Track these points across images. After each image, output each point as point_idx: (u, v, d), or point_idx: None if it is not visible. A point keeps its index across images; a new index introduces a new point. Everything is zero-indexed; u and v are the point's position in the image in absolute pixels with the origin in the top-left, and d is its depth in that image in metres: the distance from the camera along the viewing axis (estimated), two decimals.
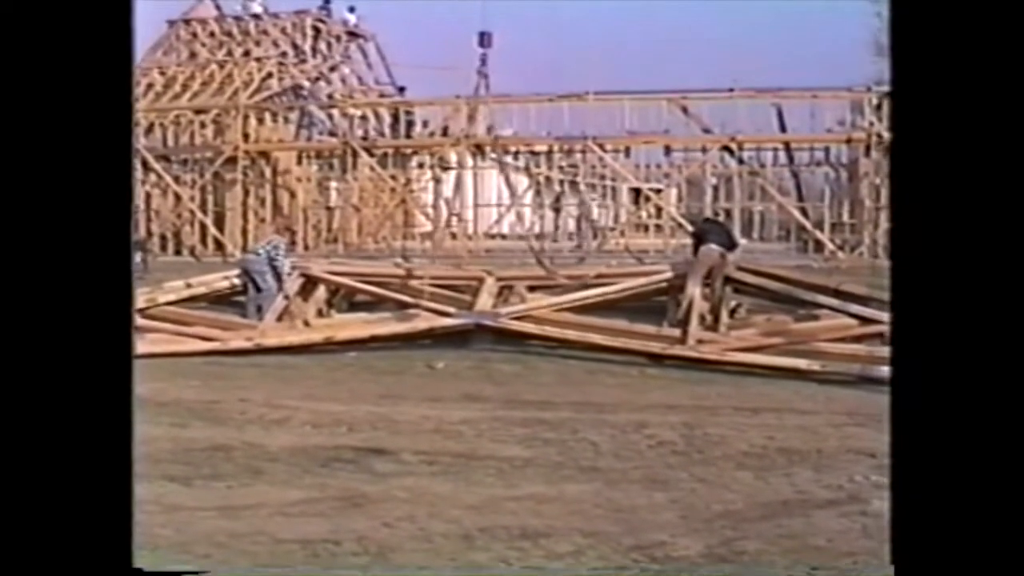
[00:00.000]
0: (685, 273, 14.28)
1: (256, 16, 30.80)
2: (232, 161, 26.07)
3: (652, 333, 13.42)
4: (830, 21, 70.61)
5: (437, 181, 25.92)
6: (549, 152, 26.06)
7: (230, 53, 30.04)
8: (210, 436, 8.35)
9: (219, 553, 5.45)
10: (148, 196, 26.69)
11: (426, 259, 20.68)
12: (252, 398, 9.96)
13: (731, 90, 23.99)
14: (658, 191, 27.70)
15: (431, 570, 5.39)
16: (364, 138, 26.27)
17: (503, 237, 26.65)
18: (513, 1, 31.06)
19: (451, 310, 14.28)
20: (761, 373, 11.63)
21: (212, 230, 26.18)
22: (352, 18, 31.79)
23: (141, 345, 11.80)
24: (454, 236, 25.18)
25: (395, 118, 27.68)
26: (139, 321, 13.46)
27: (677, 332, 13.28)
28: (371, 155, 25.65)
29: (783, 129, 24.19)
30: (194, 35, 30.93)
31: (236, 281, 16.16)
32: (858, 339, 12.72)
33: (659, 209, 26.97)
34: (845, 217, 24.59)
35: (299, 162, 27.23)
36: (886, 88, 21.64)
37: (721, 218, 22.45)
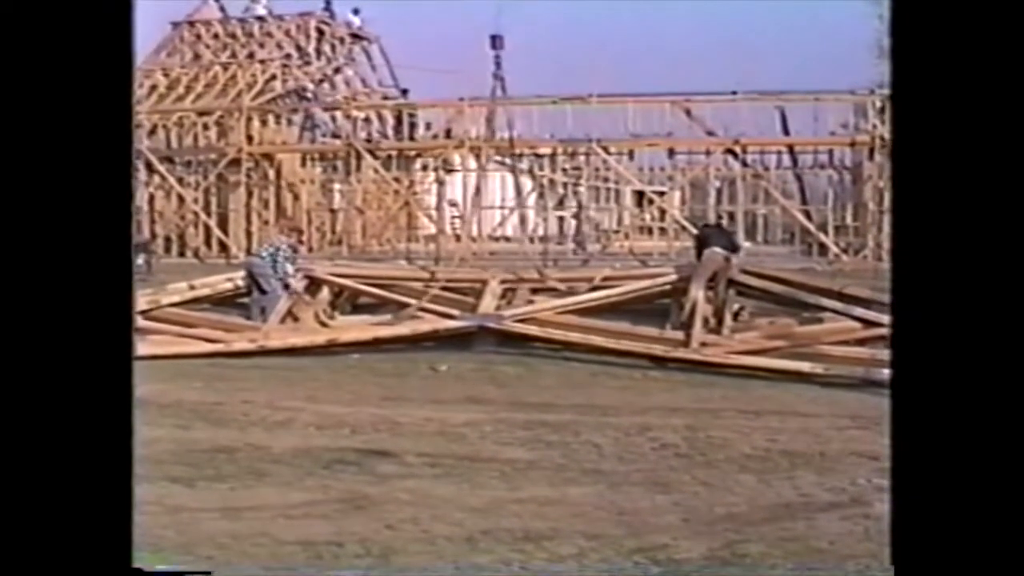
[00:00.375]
0: (689, 276, 14.28)
1: (260, 18, 30.85)
2: (236, 163, 26.12)
3: (655, 336, 13.42)
4: (832, 24, 70.64)
5: (441, 183, 25.95)
6: (553, 155, 26.08)
7: (234, 55, 30.09)
8: (213, 437, 8.35)
9: (222, 554, 5.46)
10: (152, 198, 26.76)
11: (430, 261, 20.68)
12: (255, 400, 9.96)
13: (734, 93, 24.02)
14: (662, 194, 27.72)
15: (434, 572, 5.40)
16: (368, 140, 26.30)
17: (507, 239, 26.68)
18: (512, 2, 31.07)
19: (455, 312, 14.29)
20: (764, 376, 11.61)
21: (216, 232, 26.23)
22: (356, 20, 31.82)
23: (144, 347, 11.81)
24: (458, 238, 25.20)
25: (398, 120, 27.71)
26: (142, 323, 13.47)
27: (680, 335, 13.28)
28: (375, 157, 25.68)
29: (786, 132, 24.22)
30: (198, 37, 30.98)
31: (240, 283, 16.17)
32: (861, 342, 12.70)
33: (663, 212, 26.98)
34: (849, 220, 24.63)
35: (303, 164, 27.26)
36: (889, 90, 21.66)
37: (724, 222, 22.45)
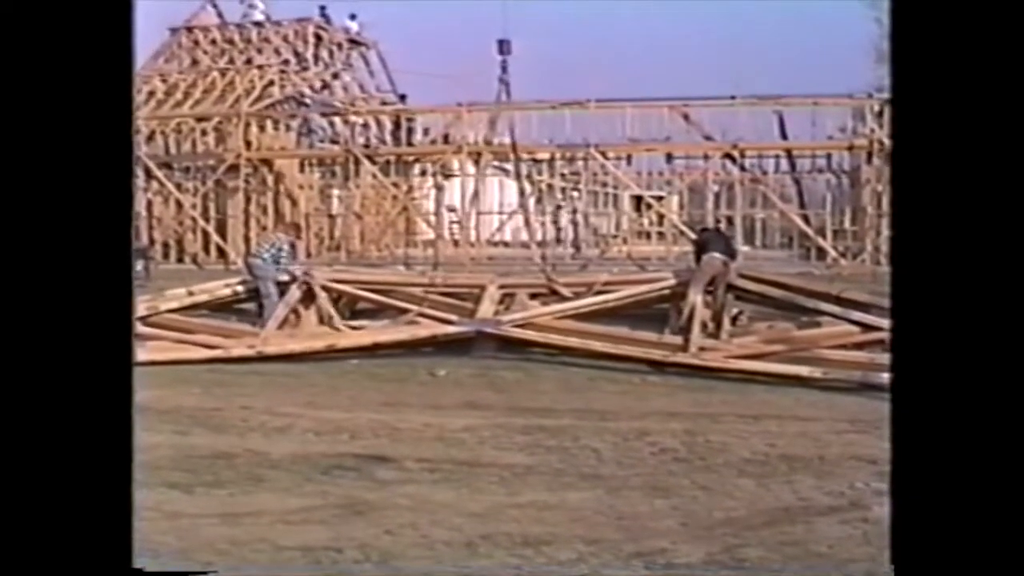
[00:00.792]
0: (687, 281, 14.29)
1: (258, 24, 30.85)
2: (234, 169, 26.13)
3: (654, 340, 13.41)
4: (830, 27, 70.72)
5: (439, 189, 25.96)
6: (551, 160, 26.09)
7: (232, 61, 30.10)
8: (212, 443, 8.35)
9: (221, 560, 5.46)
10: (150, 204, 26.75)
11: (428, 266, 20.69)
12: (254, 405, 9.96)
13: (733, 97, 24.04)
14: (660, 198, 27.74)
15: None
16: (366, 146, 26.31)
17: (505, 244, 26.69)
18: (512, 3, 31.04)
19: (453, 317, 14.29)
20: (763, 380, 11.61)
21: (214, 237, 26.24)
22: (354, 26, 31.83)
23: (143, 353, 11.79)
24: (456, 243, 25.21)
25: (397, 126, 27.73)
26: (141, 329, 13.46)
27: (679, 339, 13.27)
28: (373, 163, 25.69)
29: (785, 136, 24.24)
30: (196, 42, 30.99)
31: (239, 288, 16.17)
32: (860, 346, 12.70)
33: (661, 216, 26.99)
34: (847, 224, 24.65)
35: (301, 170, 27.27)
36: (887, 94, 21.70)
37: (723, 226, 22.46)
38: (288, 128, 27.83)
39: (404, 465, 7.63)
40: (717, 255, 14.34)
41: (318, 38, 30.88)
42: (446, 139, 26.12)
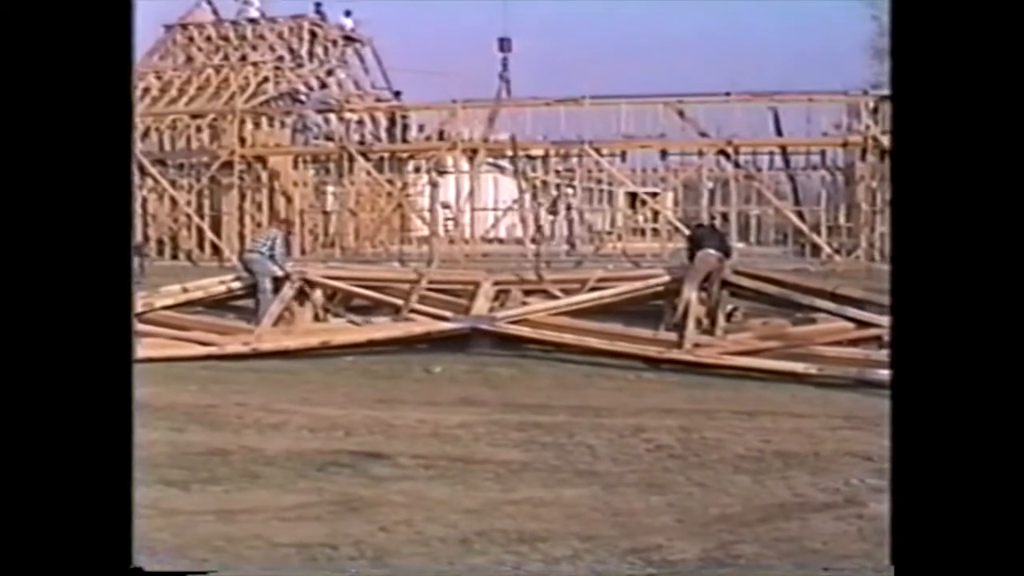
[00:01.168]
0: (682, 277, 14.28)
1: (252, 20, 30.77)
2: (228, 165, 26.05)
3: (649, 337, 13.43)
4: (826, 24, 70.74)
5: (434, 185, 25.93)
6: (545, 156, 26.05)
7: (226, 57, 30.02)
8: (207, 440, 8.35)
9: (216, 557, 5.45)
10: (145, 200, 26.65)
11: (422, 263, 20.67)
12: (249, 402, 9.95)
13: (727, 94, 24.01)
14: (654, 195, 27.72)
15: (428, 573, 5.40)
16: (361, 142, 26.27)
17: (500, 241, 26.67)
18: (513, 3, 31.04)
19: (448, 314, 14.28)
20: (758, 377, 11.63)
21: (209, 234, 26.17)
22: (348, 23, 31.77)
23: (138, 349, 11.76)
24: (451, 240, 25.18)
25: (391, 122, 27.68)
26: (136, 325, 13.44)
27: (674, 336, 13.29)
28: (367, 159, 25.64)
29: (779, 133, 24.21)
30: (191, 39, 30.90)
31: (233, 285, 16.16)
32: (855, 342, 12.73)
33: (655, 213, 26.98)
34: (842, 221, 24.62)
35: (295, 166, 27.22)
36: (882, 92, 21.69)
37: (717, 223, 22.43)
38: (283, 125, 27.75)
39: (399, 462, 7.64)
40: (712, 251, 14.34)
41: (313, 35, 30.79)
42: (441, 136, 26.08)
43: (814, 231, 23.69)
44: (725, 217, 24.31)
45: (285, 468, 7.45)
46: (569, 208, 27.24)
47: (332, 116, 27.18)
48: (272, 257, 15.49)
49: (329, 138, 26.66)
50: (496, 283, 15.35)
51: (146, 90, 28.53)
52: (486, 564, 5.44)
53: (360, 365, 12.70)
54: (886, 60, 3.50)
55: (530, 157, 26.24)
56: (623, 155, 25.61)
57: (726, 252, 14.92)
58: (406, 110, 28.24)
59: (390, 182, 26.38)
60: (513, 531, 5.91)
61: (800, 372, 11.58)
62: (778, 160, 25.25)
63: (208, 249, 26.07)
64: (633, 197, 28.99)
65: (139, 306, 14.49)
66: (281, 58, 29.74)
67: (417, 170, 27.40)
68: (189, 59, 30.52)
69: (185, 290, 16.08)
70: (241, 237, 25.33)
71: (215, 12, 31.59)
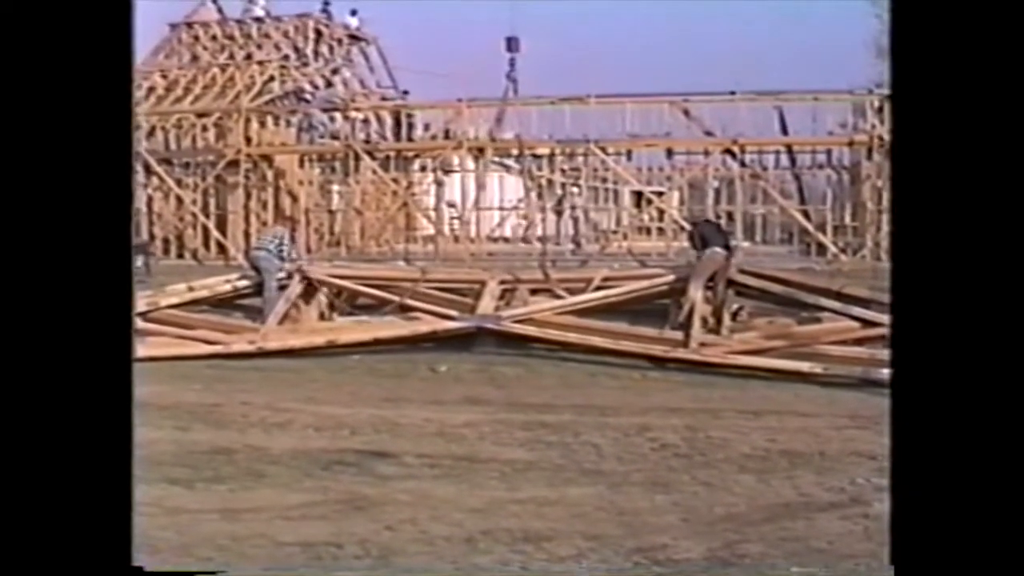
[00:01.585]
0: (687, 276, 14.27)
1: (258, 19, 30.78)
2: (234, 164, 26.05)
3: (654, 336, 13.42)
4: (831, 23, 70.68)
5: (439, 184, 25.93)
6: (551, 155, 26.04)
7: (232, 56, 30.02)
8: (212, 439, 8.35)
9: (221, 556, 5.46)
10: (150, 199, 26.69)
11: (428, 262, 20.68)
12: (254, 401, 9.96)
13: (733, 93, 23.97)
14: (660, 194, 27.69)
15: (434, 573, 5.39)
16: (366, 141, 26.27)
17: (506, 240, 26.67)
18: (519, 3, 31.06)
19: (453, 313, 14.28)
20: (763, 376, 11.62)
21: (214, 233, 26.18)
22: (354, 21, 31.78)
23: (144, 348, 11.79)
24: (456, 239, 25.18)
25: (397, 121, 27.68)
26: (142, 324, 13.46)
27: (679, 335, 13.27)
28: (373, 158, 25.65)
29: (785, 132, 24.17)
30: (196, 38, 30.91)
31: (239, 284, 16.18)
32: (860, 342, 12.71)
33: (661, 212, 26.96)
34: (847, 220, 24.58)
35: (301, 165, 27.22)
36: (887, 90, 21.66)
37: (723, 222, 22.40)
38: (288, 124, 27.75)
39: (404, 461, 7.63)
40: (718, 250, 14.32)
41: (318, 34, 30.79)
42: (447, 135, 26.06)
43: (820, 230, 23.65)
44: (731, 216, 24.28)
45: (290, 467, 7.45)
46: (574, 207, 27.22)
47: (338, 115, 27.18)
48: (281, 255, 15.54)
49: (335, 137, 26.65)
50: (502, 282, 15.34)
51: (151, 89, 28.56)
52: (491, 563, 5.44)
53: (366, 364, 12.70)
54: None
55: (536, 156, 26.25)
56: (628, 154, 25.60)
57: (728, 248, 14.89)
58: (411, 109, 28.24)
59: (396, 181, 26.38)
60: (518, 530, 5.90)
61: (806, 371, 11.56)
62: (784, 159, 25.21)
63: (214, 248, 26.09)
64: (639, 196, 28.97)
65: (145, 305, 14.53)
66: (286, 57, 29.73)
67: (423, 169, 27.42)
68: (194, 58, 30.53)
69: (191, 289, 16.09)
70: (247, 236, 25.33)
71: (220, 11, 31.59)
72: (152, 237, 26.08)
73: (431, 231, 26.07)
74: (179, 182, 26.70)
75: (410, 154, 26.93)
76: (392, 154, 26.32)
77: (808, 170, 25.65)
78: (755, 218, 25.52)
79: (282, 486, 6.95)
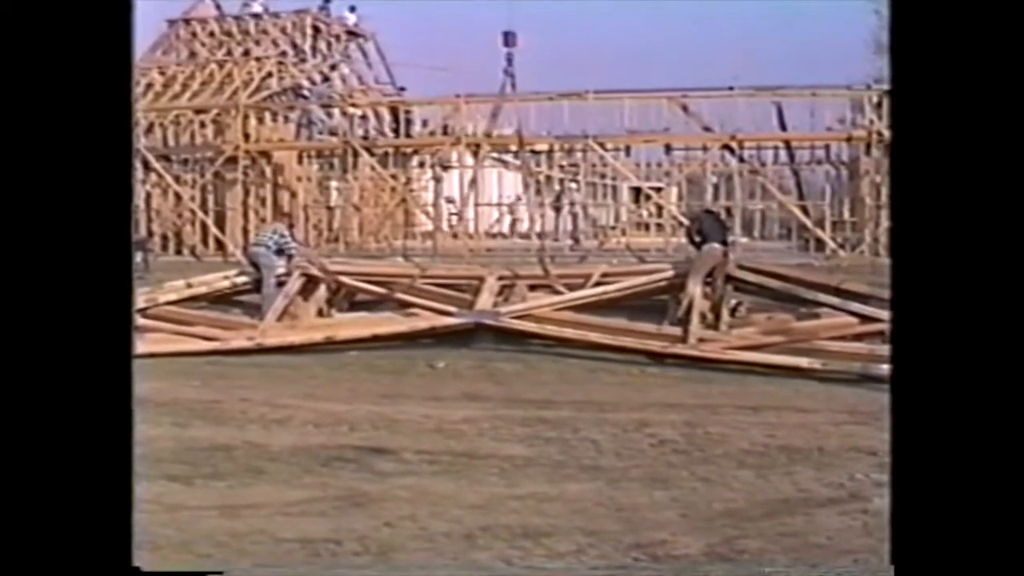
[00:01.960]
0: (686, 272, 14.26)
1: (256, 16, 30.76)
2: (232, 161, 26.05)
3: (653, 332, 13.41)
4: (829, 19, 70.62)
5: (437, 180, 25.93)
6: (549, 151, 26.04)
7: (230, 52, 30.00)
8: (211, 435, 8.35)
9: (220, 552, 5.46)
10: (149, 196, 26.69)
11: (427, 258, 20.69)
12: (253, 397, 9.96)
13: (731, 88, 23.97)
14: (659, 190, 27.69)
15: (433, 569, 5.40)
16: (364, 137, 26.26)
17: (504, 236, 26.68)
18: (513, 2, 31.05)
19: (452, 309, 14.27)
20: (762, 371, 11.62)
21: (213, 230, 26.18)
22: (352, 18, 31.76)
23: (142, 345, 11.79)
24: (455, 235, 25.18)
25: (395, 117, 27.67)
26: (140, 321, 13.46)
27: (678, 331, 13.27)
28: (371, 154, 25.64)
29: (783, 127, 24.18)
30: (194, 34, 30.89)
31: (238, 280, 16.19)
32: (859, 337, 12.71)
33: (660, 208, 26.97)
34: (846, 215, 24.59)
35: (299, 161, 27.22)
36: (886, 86, 21.65)
37: (721, 215, 22.41)
38: (286, 120, 27.75)
39: (403, 457, 7.64)
40: (717, 245, 14.31)
41: (316, 30, 30.78)
42: (445, 131, 26.06)
43: (818, 226, 23.66)
44: (729, 212, 24.28)
45: (289, 463, 7.45)
46: (573, 203, 27.22)
47: (336, 111, 27.17)
48: (281, 250, 15.57)
49: (333, 133, 26.65)
50: (500, 278, 15.34)
51: (149, 85, 28.53)
52: (490, 559, 5.44)
53: (364, 360, 12.70)
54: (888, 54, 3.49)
55: (534, 152, 26.25)
56: (627, 150, 25.59)
57: (725, 241, 14.88)
58: (409, 105, 28.23)
59: (394, 177, 26.38)
60: (517, 526, 5.91)
61: (804, 367, 11.56)
62: (782, 155, 25.23)
63: (212, 244, 26.09)
64: (637, 192, 28.97)
65: (143, 301, 14.52)
66: (284, 53, 29.71)
67: (421, 165, 27.42)
68: (192, 54, 30.51)
69: (189, 285, 16.09)
70: (245, 232, 25.35)
71: (218, 7, 31.58)
72: (151, 234, 26.06)
73: (429, 227, 26.07)
74: (177, 179, 26.68)
75: (408, 150, 26.93)
76: (390, 150, 26.33)
77: (807, 166, 25.69)
78: (754, 214, 25.52)
79: (281, 482, 6.96)
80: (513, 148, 25.81)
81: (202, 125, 27.39)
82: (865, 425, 8.27)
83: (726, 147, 24.26)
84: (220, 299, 16.18)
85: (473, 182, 24.97)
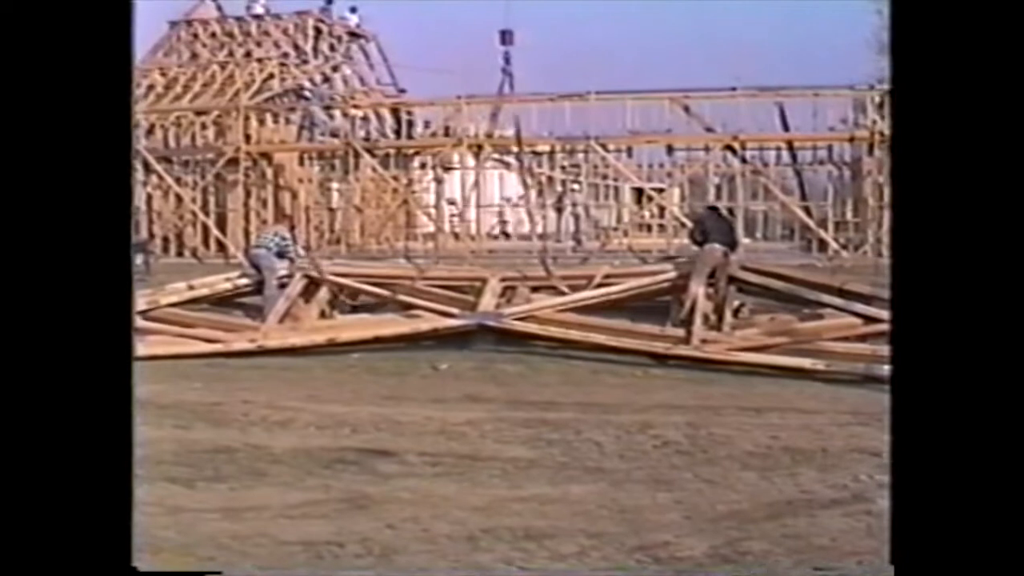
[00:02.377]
0: (688, 273, 14.24)
1: (257, 17, 30.79)
2: (234, 162, 26.08)
3: (656, 333, 13.39)
4: (831, 19, 70.61)
5: (439, 182, 25.94)
6: (551, 152, 26.06)
7: (231, 54, 30.04)
8: (213, 438, 8.34)
9: (222, 555, 5.44)
10: (150, 198, 26.73)
11: (429, 259, 20.68)
12: (255, 399, 9.94)
13: (733, 89, 23.99)
14: (661, 191, 27.69)
15: (436, 572, 5.38)
16: (366, 139, 26.26)
17: (506, 236, 26.69)
18: (513, 1, 31.09)
19: (454, 311, 14.26)
20: (765, 372, 11.61)
21: (214, 231, 26.20)
22: (354, 19, 31.77)
23: (143, 347, 11.78)
24: (457, 236, 25.19)
25: (397, 119, 27.69)
26: (141, 323, 13.44)
27: (681, 332, 13.25)
28: (373, 156, 25.65)
29: (786, 128, 24.19)
30: (195, 36, 30.93)
31: (239, 282, 16.17)
32: (862, 338, 12.68)
33: (662, 209, 26.96)
34: (849, 216, 24.60)
35: (301, 163, 27.23)
36: (888, 86, 21.62)
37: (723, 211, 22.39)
38: (288, 121, 27.77)
39: (406, 459, 7.62)
40: (717, 246, 14.28)
41: (317, 31, 30.80)
42: (446, 132, 26.06)
43: (821, 226, 23.67)
44: (732, 212, 24.28)
45: (291, 465, 7.44)
46: (575, 204, 27.22)
47: (337, 113, 27.18)
48: (283, 253, 15.57)
49: (334, 134, 26.66)
50: (503, 279, 15.32)
51: (151, 87, 28.57)
52: (493, 561, 5.42)
53: (366, 362, 12.69)
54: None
55: (536, 153, 26.27)
56: (629, 151, 25.64)
57: (732, 244, 14.85)
58: (411, 106, 28.24)
59: (395, 178, 26.41)
60: (520, 528, 5.89)
61: (808, 368, 11.55)
62: (785, 155, 25.25)
63: (213, 246, 26.11)
64: (639, 193, 28.98)
65: (145, 304, 14.50)
66: (286, 54, 29.75)
67: (422, 166, 27.45)
68: (194, 56, 30.54)
69: (191, 287, 16.07)
70: (246, 234, 25.36)
71: (219, 8, 31.63)
72: (152, 235, 26.10)
73: (431, 229, 26.08)
74: (179, 180, 26.71)
75: (410, 151, 26.94)
76: (392, 151, 26.34)
77: (809, 166, 25.70)
78: (756, 214, 25.54)
79: (283, 485, 6.94)
80: (515, 149, 25.81)
81: (203, 127, 27.41)
82: (868, 426, 8.25)
83: (728, 148, 24.28)
84: (221, 301, 16.16)
85: (475, 183, 24.97)
